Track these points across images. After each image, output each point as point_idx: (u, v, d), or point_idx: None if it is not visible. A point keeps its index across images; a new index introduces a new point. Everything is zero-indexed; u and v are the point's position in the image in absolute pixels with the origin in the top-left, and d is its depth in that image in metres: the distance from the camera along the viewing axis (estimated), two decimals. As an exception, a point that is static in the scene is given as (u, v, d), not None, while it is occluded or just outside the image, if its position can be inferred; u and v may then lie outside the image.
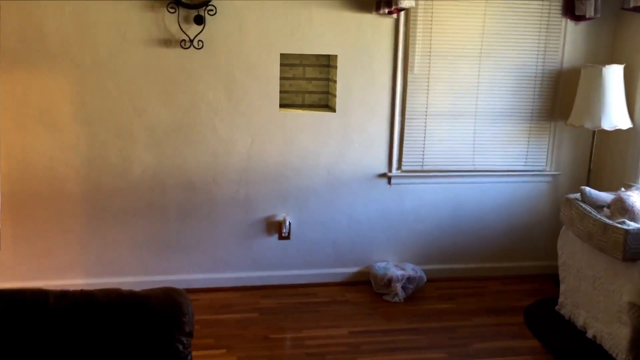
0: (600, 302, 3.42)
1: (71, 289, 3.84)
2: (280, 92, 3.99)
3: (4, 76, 3.59)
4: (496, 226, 4.39)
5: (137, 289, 4.00)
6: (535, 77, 4.20)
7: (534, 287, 4.29)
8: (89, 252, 3.94)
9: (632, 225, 3.22)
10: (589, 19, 4.07)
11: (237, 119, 3.92)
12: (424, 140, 4.17)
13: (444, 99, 4.13)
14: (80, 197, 3.85)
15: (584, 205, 3.56)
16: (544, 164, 4.37)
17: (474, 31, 4.06)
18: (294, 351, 3.39)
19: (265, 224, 4.12)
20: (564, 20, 4.15)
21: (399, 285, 4.02)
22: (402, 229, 4.28)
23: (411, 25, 3.98)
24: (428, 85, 4.09)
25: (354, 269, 4.29)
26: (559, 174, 4.39)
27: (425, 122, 4.14)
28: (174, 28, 3.71)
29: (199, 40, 3.73)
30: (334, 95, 4.05)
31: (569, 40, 4.19)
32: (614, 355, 3.30)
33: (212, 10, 3.69)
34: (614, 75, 3.90)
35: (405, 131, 4.13)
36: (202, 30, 3.71)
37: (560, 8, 4.13)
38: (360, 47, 3.96)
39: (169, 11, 3.67)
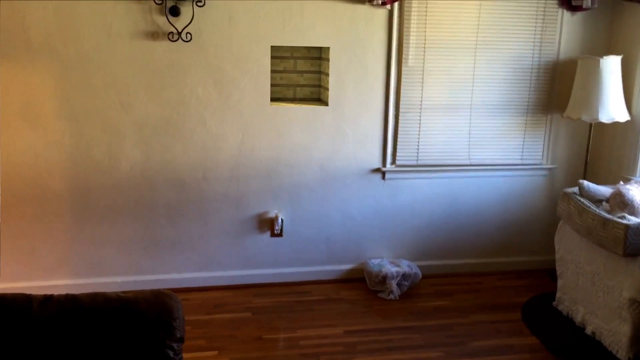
0: (600, 298, 3.37)
1: (58, 289, 3.76)
2: (271, 85, 3.90)
3: (-16, 71, 3.48)
4: (492, 221, 4.34)
5: (126, 289, 3.92)
6: (531, 68, 4.14)
7: (530, 282, 4.24)
8: (75, 252, 3.84)
9: (632, 219, 3.16)
10: (586, 9, 4.01)
11: (227, 113, 3.83)
12: (419, 134, 4.10)
13: (439, 91, 4.07)
14: (65, 195, 3.75)
15: (582, 200, 3.51)
16: (541, 157, 4.31)
17: (470, 22, 3.99)
18: (289, 352, 3.31)
19: (257, 221, 4.04)
20: (560, 10, 4.09)
21: (394, 282, 3.96)
22: (396, 224, 4.22)
23: (405, 16, 3.90)
24: (423, 78, 4.02)
25: (348, 266, 4.22)
26: (556, 168, 4.34)
27: (420, 116, 4.08)
28: (161, 20, 3.61)
29: (187, 33, 3.63)
30: (326, 89, 3.97)
31: (566, 31, 4.13)
32: (614, 352, 3.25)
33: (200, 1, 3.58)
34: (611, 66, 3.84)
35: (400, 125, 4.06)
36: (190, 22, 3.61)
37: (556, -2, 4.07)
38: (353, 39, 3.88)
39: (156, 2, 3.56)
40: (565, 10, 4.09)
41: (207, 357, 3.22)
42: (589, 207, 3.41)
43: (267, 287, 4.06)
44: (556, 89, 4.21)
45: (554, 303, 3.82)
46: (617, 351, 3.22)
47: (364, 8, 3.84)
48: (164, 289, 2.31)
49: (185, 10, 3.59)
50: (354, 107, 3.98)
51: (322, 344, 3.38)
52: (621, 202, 3.33)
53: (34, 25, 3.49)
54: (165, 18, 3.59)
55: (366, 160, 4.09)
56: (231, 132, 3.86)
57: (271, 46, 3.80)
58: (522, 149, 4.26)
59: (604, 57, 3.83)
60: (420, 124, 4.08)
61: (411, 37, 3.94)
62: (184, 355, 2.25)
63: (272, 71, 3.92)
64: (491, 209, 4.32)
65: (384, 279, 3.98)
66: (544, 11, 4.07)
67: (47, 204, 3.74)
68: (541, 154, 4.31)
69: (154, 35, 3.63)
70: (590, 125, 4.10)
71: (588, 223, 3.36)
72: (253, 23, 3.73)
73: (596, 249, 3.36)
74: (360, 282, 4.15)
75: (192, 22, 3.62)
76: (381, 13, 3.88)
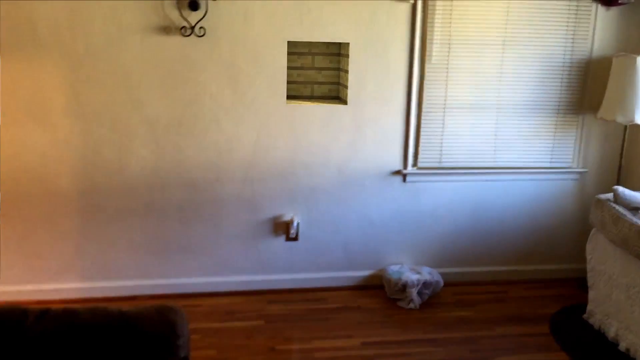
0: (635, 313, 3.16)
1: (65, 292, 3.64)
2: (288, 82, 3.74)
3: (-10, 66, 3.37)
4: (518, 227, 4.16)
5: (136, 293, 3.81)
6: (562, 66, 3.95)
7: (558, 292, 4.05)
8: (83, 254, 3.73)
9: (673, 230, 2.94)
10: (622, 4, 3.83)
11: (242, 112, 3.68)
12: (442, 135, 3.94)
13: (464, 90, 3.90)
14: (74, 196, 3.63)
15: (617, 207, 3.31)
16: (571, 160, 4.11)
17: (497, 17, 3.82)
18: (303, 364, 3.15)
19: (272, 224, 3.89)
20: (594, 5, 3.90)
21: (414, 291, 3.78)
22: (417, 229, 4.05)
23: (429, 11, 3.73)
24: (447, 76, 3.85)
25: (366, 273, 4.06)
26: (587, 172, 4.14)
27: (444, 116, 3.91)
28: (173, 14, 3.47)
29: (201, 27, 3.49)
30: (345, 87, 3.80)
31: (600, 27, 3.93)
32: (651, 371, 3.05)
33: (214, -6, 3.44)
34: (649, 65, 3.64)
35: (422, 125, 3.90)
36: (204, 17, 3.47)
37: (590, -8, 3.88)
38: (374, 35, 3.71)
39: (168, -5, 3.42)
40: (599, 5, 3.88)
41: (217, 369, 3.09)
42: (625, 215, 3.21)
43: (281, 294, 3.91)
44: (589, 89, 4.00)
45: (585, 316, 3.62)
46: (655, 370, 3.02)
47: (386, 2, 3.67)
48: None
49: (200, 4, 3.45)
50: (374, 106, 3.82)
51: (337, 357, 3.22)
52: (660, 211, 3.12)
53: (42, 19, 3.37)
54: (177, 12, 3.45)
55: (386, 162, 3.92)
56: (246, 132, 3.71)
57: (288, 41, 3.64)
58: (552, 151, 4.07)
59: (642, 55, 3.64)
60: (443, 124, 3.92)
61: (435, 33, 3.77)
62: (192, 368, 2.10)
63: (289, 68, 3.77)
64: (518, 214, 4.13)
65: (403, 287, 3.81)
66: (577, 6, 3.88)
67: (54, 205, 3.62)
68: (572, 156, 4.11)
69: (167, 29, 3.49)
70: (625, 127, 3.91)
71: (624, 233, 3.15)
72: (269, 17, 3.58)
73: (632, 260, 3.16)
74: (378, 290, 3.98)
75: (206, 16, 3.47)
76: (404, 7, 3.70)
